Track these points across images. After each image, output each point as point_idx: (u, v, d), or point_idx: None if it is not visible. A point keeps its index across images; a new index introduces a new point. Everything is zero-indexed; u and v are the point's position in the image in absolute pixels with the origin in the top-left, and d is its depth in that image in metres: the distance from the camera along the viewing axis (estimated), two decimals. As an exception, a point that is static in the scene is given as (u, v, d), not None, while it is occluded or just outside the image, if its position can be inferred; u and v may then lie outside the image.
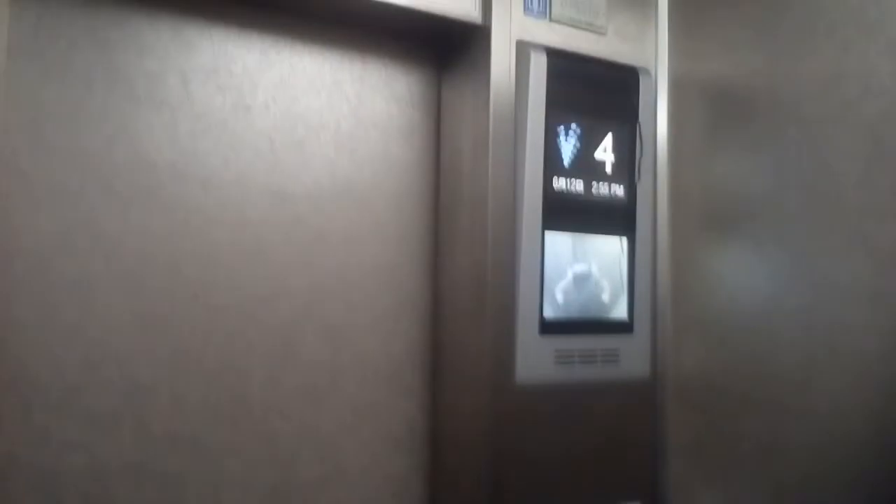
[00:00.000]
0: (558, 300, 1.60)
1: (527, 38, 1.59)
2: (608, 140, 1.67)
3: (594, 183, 1.65)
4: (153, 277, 1.39)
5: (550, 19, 1.63)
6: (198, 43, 1.44)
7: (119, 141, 1.36)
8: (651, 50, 1.78)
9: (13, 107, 1.28)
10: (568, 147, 1.62)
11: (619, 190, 1.69)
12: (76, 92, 1.33)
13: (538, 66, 1.57)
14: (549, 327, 1.58)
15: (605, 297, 1.67)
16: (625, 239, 1.69)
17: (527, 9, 1.60)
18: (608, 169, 1.67)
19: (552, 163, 1.59)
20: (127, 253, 1.36)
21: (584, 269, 1.64)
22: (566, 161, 1.61)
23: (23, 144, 1.28)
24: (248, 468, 1.46)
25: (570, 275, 1.62)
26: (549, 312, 1.58)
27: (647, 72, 1.74)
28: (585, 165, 1.64)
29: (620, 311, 1.68)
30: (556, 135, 1.60)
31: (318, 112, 1.56)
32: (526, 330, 1.55)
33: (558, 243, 1.60)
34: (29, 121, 1.29)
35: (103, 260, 1.34)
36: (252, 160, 1.49)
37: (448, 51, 1.67)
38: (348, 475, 1.56)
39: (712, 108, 1.70)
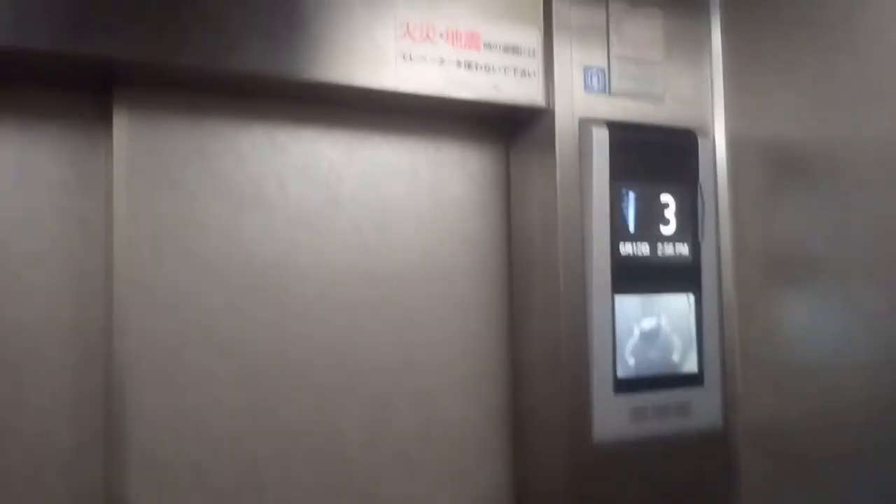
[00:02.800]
0: (630, 359, 1.69)
1: (589, 114, 1.68)
2: (671, 202, 1.76)
3: (659, 244, 1.74)
4: (262, 363, 1.52)
5: (610, 94, 1.72)
6: (289, 145, 1.57)
7: (226, 243, 1.50)
8: (708, 112, 1.85)
9: (133, 222, 1.42)
10: (633, 213, 1.71)
11: (683, 249, 1.77)
12: (187, 203, 1.48)
13: (600, 141, 1.66)
14: (623, 385, 1.67)
15: (675, 351, 1.75)
16: (691, 295, 1.77)
17: (587, 87, 1.69)
18: (672, 229, 1.75)
19: (618, 229, 1.68)
20: (238, 344, 1.50)
21: (653, 326, 1.72)
22: (631, 226, 1.70)
23: (143, 256, 1.43)
24: (352, 531, 1.59)
25: (640, 333, 1.71)
26: (622, 372, 1.67)
27: (704, 132, 1.82)
28: (650, 228, 1.73)
29: (691, 365, 1.76)
30: (621, 203, 1.69)
31: (398, 198, 1.68)
32: (601, 390, 1.65)
33: (628, 305, 1.69)
34: (147, 234, 1.44)
35: (219, 352, 1.49)
36: (343, 248, 1.61)
37: (515, 130, 1.78)
38: (441, 534, 1.68)
39: (771, 169, 1.76)
